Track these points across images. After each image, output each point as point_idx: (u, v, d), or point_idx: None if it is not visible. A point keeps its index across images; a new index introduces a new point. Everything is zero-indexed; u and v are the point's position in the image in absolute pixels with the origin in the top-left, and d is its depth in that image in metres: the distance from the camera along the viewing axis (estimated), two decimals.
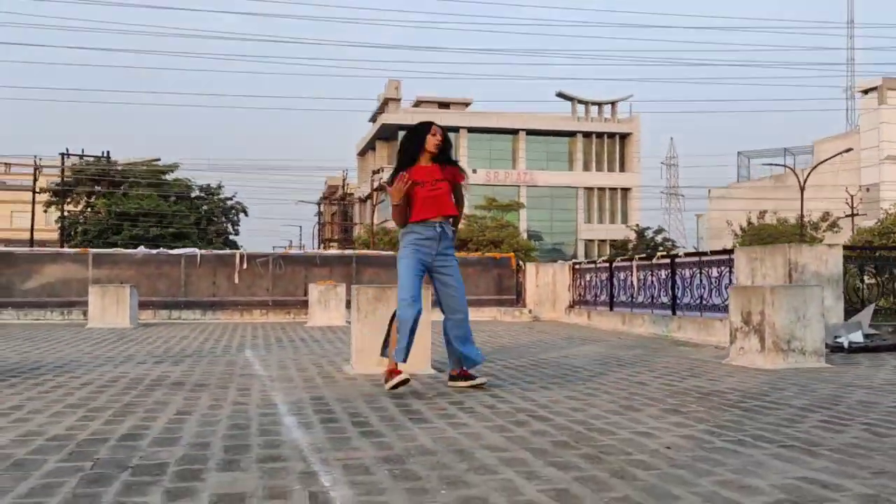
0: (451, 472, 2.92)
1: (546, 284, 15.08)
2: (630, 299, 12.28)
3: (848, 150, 42.69)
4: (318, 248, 65.11)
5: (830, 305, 8.31)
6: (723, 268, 9.80)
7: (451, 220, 5.22)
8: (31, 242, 48.57)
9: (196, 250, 14.29)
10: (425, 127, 5.22)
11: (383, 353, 5.26)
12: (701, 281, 10.28)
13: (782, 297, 6.79)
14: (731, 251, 9.85)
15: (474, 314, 14.33)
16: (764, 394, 5.06)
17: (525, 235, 51.03)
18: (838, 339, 8.11)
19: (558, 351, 8.57)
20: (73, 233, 45.10)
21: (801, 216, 40.60)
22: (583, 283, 14.16)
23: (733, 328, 7.21)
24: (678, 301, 10.80)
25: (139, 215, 42.60)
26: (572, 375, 6.12)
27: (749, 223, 50.42)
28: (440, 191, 5.14)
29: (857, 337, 8.27)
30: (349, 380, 5.75)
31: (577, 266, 14.55)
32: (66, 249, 14.49)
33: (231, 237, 52.93)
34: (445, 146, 5.22)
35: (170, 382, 5.48)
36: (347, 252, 15.22)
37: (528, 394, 5.02)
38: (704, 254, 10.46)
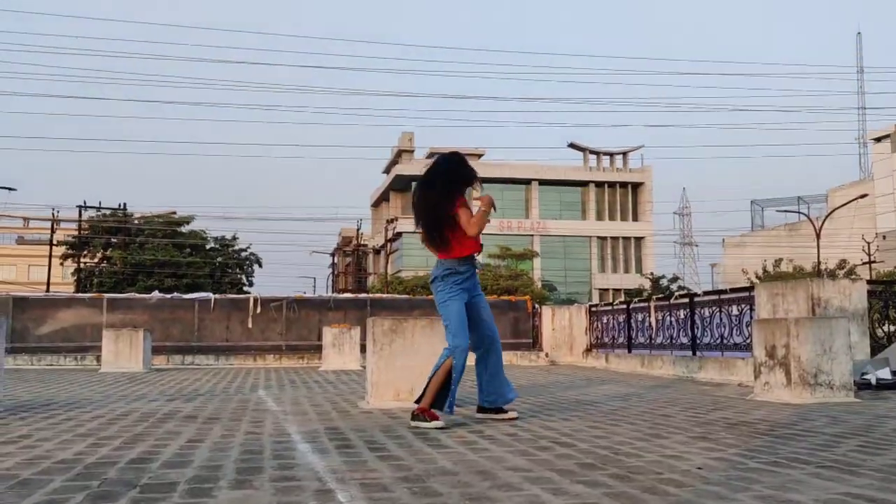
0: (474, 490, 2.78)
1: (563, 328, 14.90)
2: (649, 341, 12.09)
3: (863, 196, 42.54)
4: None
5: (856, 341, 8.11)
6: (743, 305, 9.63)
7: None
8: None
9: (210, 294, 14.25)
10: (470, 169, 5.10)
11: (418, 401, 4.89)
12: (721, 320, 10.09)
13: (807, 329, 6.63)
14: (751, 288, 9.70)
15: None
16: (794, 423, 4.89)
17: (539, 284, 50.84)
18: (865, 376, 7.89)
19: (578, 390, 8.39)
20: (88, 285, 45.30)
21: (818, 263, 40.27)
22: (600, 326, 13.98)
23: (757, 363, 7.03)
24: (698, 341, 10.61)
25: (154, 266, 42.77)
26: (593, 408, 5.95)
27: (765, 271, 50.07)
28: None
29: (885, 374, 8.05)
30: (365, 413, 5.61)
31: (593, 308, 14.38)
32: (81, 294, 14.52)
33: (245, 288, 53.00)
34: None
35: (182, 416, 5.36)
36: (362, 296, 15.14)
37: (549, 423, 4.87)
38: (724, 292, 10.30)
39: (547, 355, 14.36)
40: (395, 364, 5.93)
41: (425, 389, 4.81)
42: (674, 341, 11.32)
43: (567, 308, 15.09)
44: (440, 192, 4.88)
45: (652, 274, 50.16)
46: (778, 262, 50.55)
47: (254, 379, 10.58)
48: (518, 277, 44.12)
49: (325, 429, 4.67)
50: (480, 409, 5.13)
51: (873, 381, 7.93)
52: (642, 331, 12.36)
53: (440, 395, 4.77)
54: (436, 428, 4.61)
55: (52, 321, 13.65)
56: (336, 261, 70.28)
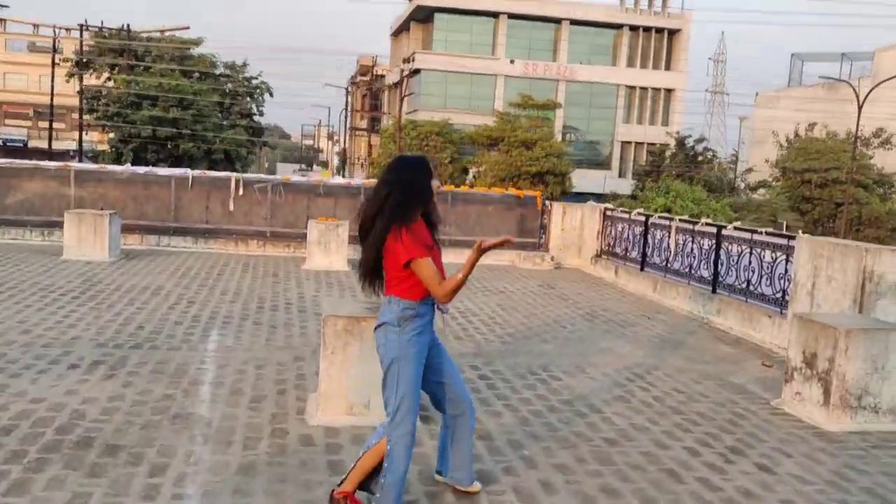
0: None
1: (573, 228, 13.66)
2: (665, 263, 10.89)
3: None
4: (346, 135, 63.50)
5: None
6: (779, 253, 8.35)
7: None
8: (52, 111, 47.57)
9: (188, 171, 12.95)
10: (428, 165, 3.63)
11: (340, 483, 3.71)
12: (750, 262, 8.84)
13: (859, 341, 5.42)
14: (791, 237, 8.37)
15: (492, 257, 13.06)
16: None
17: (560, 136, 48.89)
18: None
19: (575, 348, 7.33)
20: (95, 105, 43.84)
21: (856, 136, 37.99)
22: (613, 233, 12.73)
23: (791, 366, 5.88)
24: (721, 279, 9.41)
25: (159, 92, 41.01)
26: (582, 439, 4.88)
27: (796, 134, 47.79)
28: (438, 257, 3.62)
29: None
30: (303, 440, 4.57)
31: (608, 212, 13.07)
32: (48, 164, 13.21)
33: (255, 118, 51.38)
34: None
35: (74, 441, 4.33)
36: (354, 182, 13.76)
37: (524, 483, 3.80)
38: (758, 232, 8.97)
39: (553, 258, 13.23)
40: (350, 373, 4.82)
41: (350, 470, 3.69)
42: (693, 271, 10.12)
43: (580, 208, 13.76)
44: (392, 214, 3.48)
45: (678, 133, 47.90)
46: (811, 126, 48.11)
47: (223, 286, 9.58)
48: (538, 129, 42.13)
49: (233, 493, 3.63)
50: (440, 473, 4.04)
51: None
52: (659, 251, 11.14)
53: (367, 479, 3.65)
54: None
55: (16, 192, 12.46)
56: (351, 96, 67.93)
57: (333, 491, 3.66)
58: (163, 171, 12.94)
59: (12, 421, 4.57)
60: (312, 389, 5.43)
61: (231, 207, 12.89)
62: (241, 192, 12.87)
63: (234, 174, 13.22)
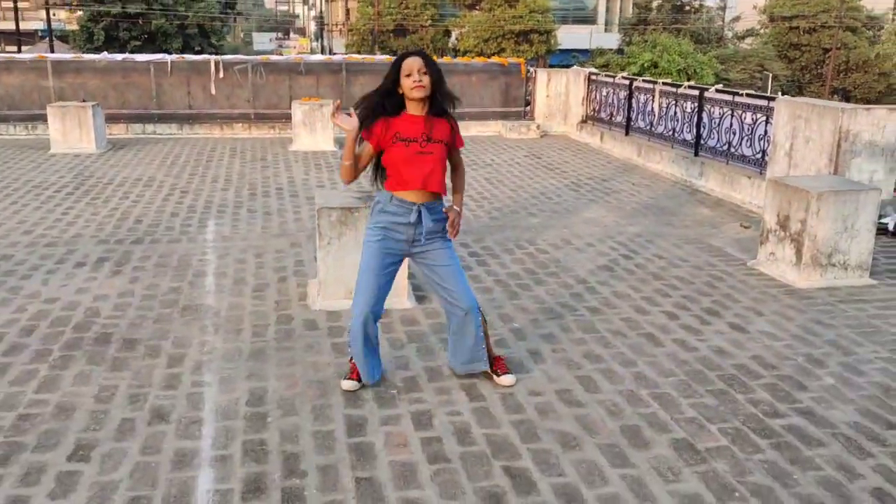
0: None
1: (558, 95, 13.63)
2: (649, 127, 11.01)
3: None
4: (321, 0, 61.15)
5: (881, 180, 7.18)
6: (759, 115, 8.49)
7: (439, 199, 3.81)
8: None
9: (165, 56, 12.71)
10: (397, 63, 3.67)
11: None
12: (731, 125, 8.99)
13: (830, 204, 5.69)
14: (771, 98, 8.47)
15: (478, 128, 13.15)
16: (785, 372, 4.19)
17: None
18: (883, 220, 7.09)
19: (561, 219, 7.60)
20: None
21: None
22: (598, 98, 12.74)
23: (766, 228, 6.17)
24: (703, 142, 9.58)
25: None
26: (567, 310, 5.21)
27: None
28: (431, 155, 3.66)
29: None
30: (308, 324, 4.88)
31: (593, 76, 13.02)
32: (22, 56, 12.97)
33: None
34: (436, 87, 3.64)
35: (93, 338, 4.62)
36: (336, 58, 13.53)
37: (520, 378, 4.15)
38: (739, 93, 9.04)
39: (538, 126, 13.28)
40: (346, 260, 5.08)
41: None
42: (676, 135, 10.27)
43: (564, 73, 13.65)
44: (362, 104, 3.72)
45: None
46: None
47: (216, 167, 9.73)
48: None
49: (250, 394, 3.98)
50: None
51: (891, 227, 7.16)
52: (643, 115, 11.22)
53: (360, 367, 3.97)
54: (343, 388, 3.96)
55: None
56: None
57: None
58: (141, 57, 12.71)
59: (31, 321, 4.85)
60: (312, 275, 5.71)
61: (213, 91, 12.78)
62: (221, 74, 12.72)
63: (214, 57, 13.02)
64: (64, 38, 46.05)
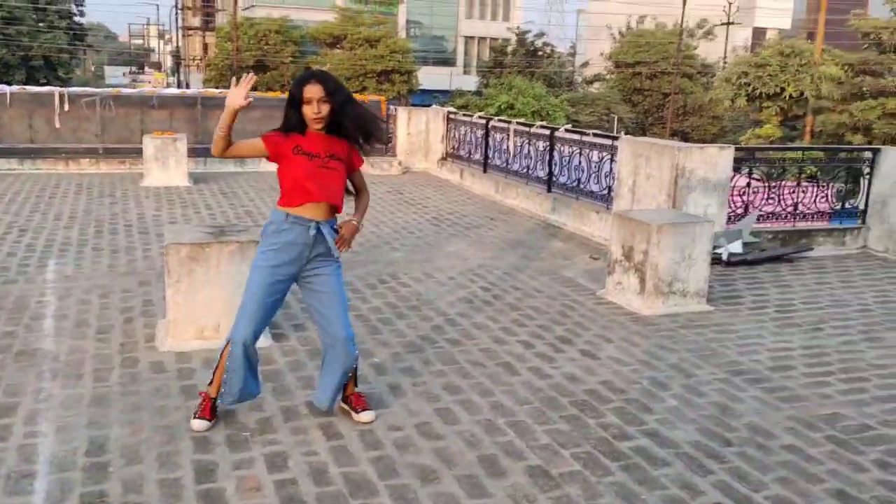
0: None
1: (419, 132, 13.84)
2: (505, 164, 11.35)
3: None
4: (178, 35, 59.68)
5: (714, 213, 7.71)
6: (605, 154, 8.95)
7: (334, 217, 3.77)
8: None
9: (4, 87, 11.93)
10: (298, 88, 3.57)
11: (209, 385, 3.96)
12: (580, 163, 9.43)
13: (669, 235, 6.05)
14: (615, 137, 8.96)
15: None
16: (631, 395, 4.38)
17: (403, 33, 48.20)
18: (717, 251, 7.59)
19: (423, 253, 7.67)
20: None
21: (682, 28, 39.94)
22: (457, 136, 13.04)
23: (612, 259, 6.48)
24: (555, 178, 9.98)
25: None
26: (427, 342, 5.24)
27: (629, 27, 49.58)
28: (333, 171, 3.64)
29: (737, 247, 7.80)
30: (155, 367, 4.65)
31: (451, 115, 13.32)
32: None
33: (77, 19, 47.33)
34: (337, 112, 3.58)
35: None
36: (190, 92, 13.21)
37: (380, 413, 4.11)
38: (586, 133, 9.51)
39: (400, 163, 13.42)
40: (197, 297, 4.90)
41: (213, 372, 3.91)
42: (530, 172, 10.65)
43: (424, 112, 13.91)
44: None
45: (518, 28, 48.46)
46: (642, 18, 50.00)
47: (57, 209, 9.16)
48: (381, 25, 41.32)
49: (88, 444, 3.73)
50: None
51: (724, 257, 7.68)
52: (500, 153, 11.57)
53: (228, 388, 3.86)
54: (193, 429, 3.81)
55: None
56: None
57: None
58: None
59: None
60: (161, 315, 5.46)
61: (57, 124, 12.10)
62: (66, 107, 12.08)
63: (58, 89, 12.35)
64: None
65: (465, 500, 3.33)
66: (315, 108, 3.55)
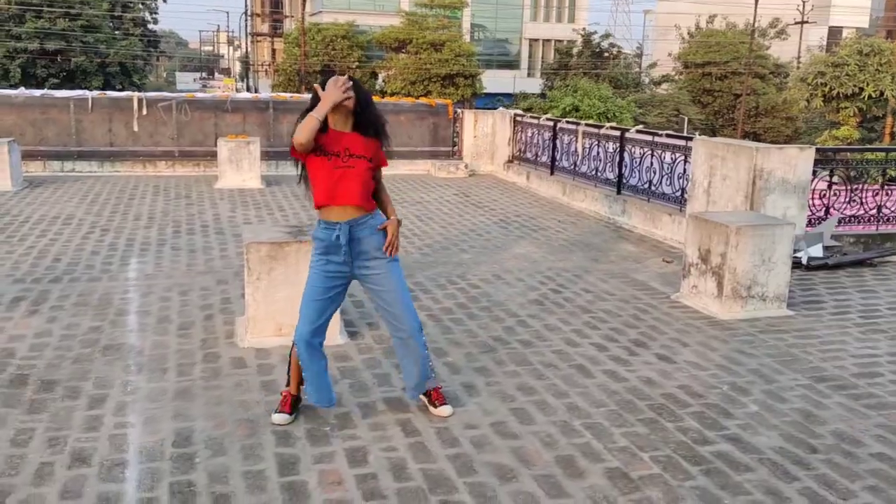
0: None
1: (485, 135, 13.85)
2: (573, 167, 11.27)
3: None
4: (247, 41, 61.05)
5: (794, 216, 7.50)
6: (678, 154, 8.80)
7: (367, 214, 3.77)
8: None
9: (86, 93, 12.41)
10: (325, 83, 3.66)
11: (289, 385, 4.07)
12: (652, 164, 9.29)
13: (748, 237, 5.91)
14: (689, 138, 8.80)
15: (407, 167, 13.22)
16: (712, 400, 4.29)
17: (468, 37, 48.30)
18: (797, 254, 7.39)
19: (491, 255, 7.67)
20: None
21: (754, 27, 39.01)
22: (524, 139, 13.00)
23: (688, 262, 6.36)
24: (625, 181, 9.86)
25: (43, 5, 38.35)
26: (500, 343, 5.23)
27: (697, 27, 48.69)
28: (352, 169, 3.68)
29: (818, 251, 7.58)
30: (236, 363, 4.77)
31: (518, 118, 13.29)
32: None
33: (150, 26, 48.82)
34: (362, 108, 3.69)
35: (8, 380, 4.40)
36: (262, 97, 13.49)
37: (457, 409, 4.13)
38: (658, 134, 9.37)
39: (467, 165, 13.44)
40: (276, 296, 5.00)
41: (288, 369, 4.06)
42: (599, 174, 10.54)
43: (491, 115, 13.92)
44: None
45: (584, 30, 48.03)
46: (712, 18, 49.04)
47: (136, 213, 9.46)
48: (445, 29, 41.49)
49: (175, 435, 3.84)
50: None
51: (804, 261, 7.47)
52: (567, 155, 11.49)
53: (308, 388, 3.96)
54: (274, 422, 3.91)
55: None
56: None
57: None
58: (60, 93, 12.38)
59: None
60: (239, 313, 5.60)
61: (135, 128, 12.51)
62: (144, 111, 12.48)
63: (136, 94, 12.78)
64: None
65: (545, 500, 3.31)
66: (343, 86, 3.57)
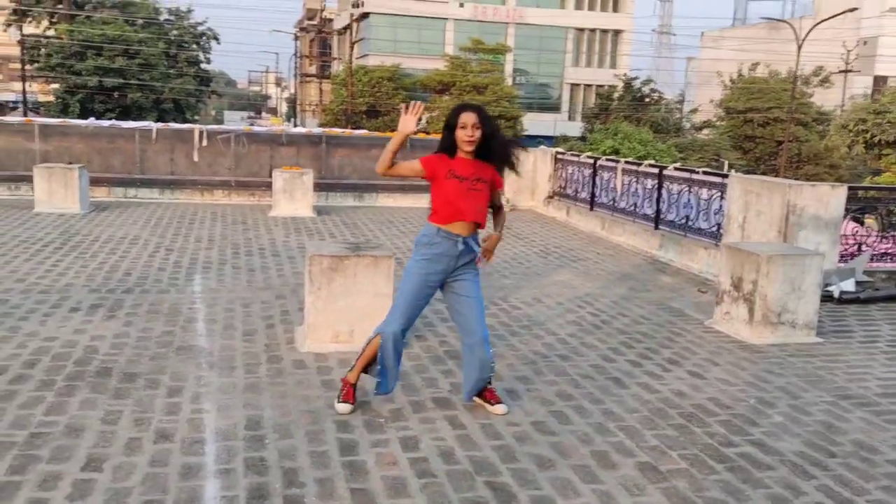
0: None
1: (526, 172, 14.30)
2: (612, 202, 11.64)
3: (853, 10, 40.59)
4: (297, 80, 62.79)
5: (826, 251, 7.76)
6: (714, 191, 9.13)
7: (476, 232, 4.31)
8: None
9: (151, 124, 13.21)
10: (455, 115, 4.15)
11: (349, 371, 4.51)
12: (689, 200, 9.63)
13: (779, 266, 6.21)
14: (725, 175, 9.14)
15: None
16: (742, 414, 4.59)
17: (510, 81, 49.22)
18: (829, 288, 7.64)
19: (532, 281, 8.04)
20: (35, 56, 42.69)
21: (796, 75, 39.19)
22: (564, 175, 13.43)
23: (721, 289, 6.67)
24: (662, 216, 10.19)
25: (103, 42, 40.09)
26: (539, 356, 5.59)
27: (739, 74, 48.94)
28: (479, 192, 4.17)
29: (849, 285, 7.81)
30: (297, 364, 5.19)
31: (559, 156, 13.75)
32: (10, 119, 13.35)
33: (203, 66, 50.60)
34: (487, 139, 4.15)
35: (94, 371, 4.88)
36: (316, 131, 14.15)
37: (484, 413, 4.49)
38: (695, 171, 9.73)
39: (508, 200, 13.88)
40: (335, 305, 5.43)
41: (356, 359, 4.45)
42: (637, 210, 10.90)
43: (532, 152, 14.40)
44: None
45: (626, 75, 48.63)
46: (754, 65, 49.28)
47: (196, 234, 10.04)
48: (489, 73, 42.46)
49: (247, 420, 4.26)
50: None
51: (836, 294, 7.71)
52: (606, 191, 11.87)
53: (369, 367, 4.40)
54: (339, 412, 4.33)
55: None
56: (298, 38, 67.00)
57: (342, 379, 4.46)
58: (126, 124, 13.17)
59: (33, 356, 5.09)
60: (298, 323, 6.05)
61: (195, 158, 13.23)
62: (204, 143, 13.20)
63: (198, 126, 13.52)
64: (35, 109, 46.50)
65: (581, 485, 3.65)
66: (469, 132, 4.10)
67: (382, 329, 4.30)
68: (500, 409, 4.46)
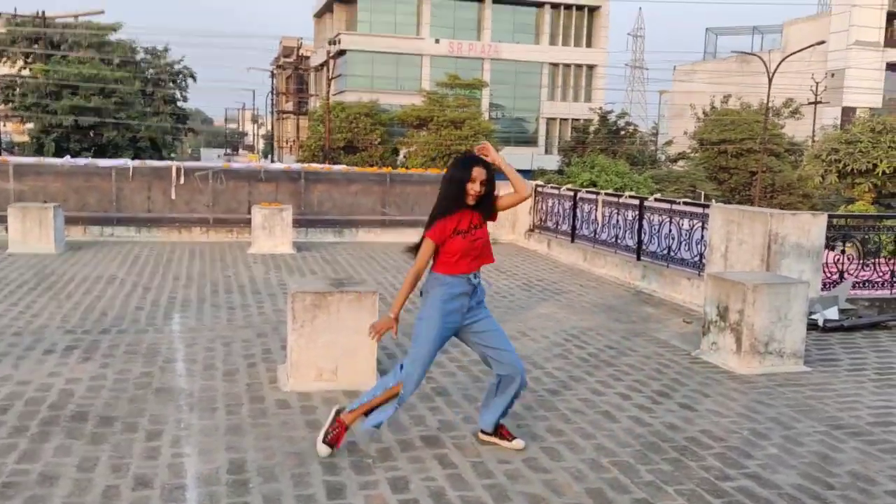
0: None
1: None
2: (593, 234, 11.64)
3: (820, 43, 41.49)
4: (273, 117, 62.87)
5: (808, 279, 7.76)
6: (695, 221, 9.15)
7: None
8: None
9: (128, 161, 13.06)
10: (466, 169, 4.14)
11: (348, 408, 4.35)
12: (670, 231, 9.63)
13: (765, 295, 6.19)
14: (706, 205, 9.16)
15: None
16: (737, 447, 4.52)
17: (486, 115, 49.58)
18: (813, 317, 7.63)
19: (516, 315, 7.97)
20: (10, 95, 42.41)
21: (767, 107, 39.85)
22: (545, 208, 13.43)
23: (708, 319, 6.63)
24: (644, 247, 10.19)
25: (79, 81, 39.93)
26: (527, 391, 5.49)
27: (712, 107, 49.68)
28: (480, 237, 4.23)
29: (833, 313, 7.81)
30: (280, 404, 5.05)
31: (539, 188, 13.76)
32: None
33: (180, 103, 50.55)
34: (490, 189, 4.18)
35: (69, 415, 4.71)
36: (294, 167, 14.08)
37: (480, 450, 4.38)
38: (676, 202, 9.75)
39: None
40: (318, 342, 5.31)
41: (361, 402, 4.28)
42: (619, 241, 10.89)
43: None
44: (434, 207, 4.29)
45: (601, 108, 49.21)
46: (726, 98, 50.08)
47: (174, 274, 9.87)
48: (465, 108, 42.71)
49: (229, 465, 4.12)
50: (482, 432, 4.54)
51: (820, 323, 7.70)
52: (587, 223, 11.88)
53: (370, 412, 4.25)
54: (320, 454, 4.19)
55: None
56: (275, 74, 67.23)
57: (339, 413, 4.28)
58: (103, 162, 13.03)
59: (6, 401, 4.92)
60: (280, 361, 5.92)
61: (173, 196, 13.08)
62: (181, 180, 13.07)
63: (175, 163, 13.40)
64: (10, 149, 46.15)
65: None
66: (478, 188, 4.11)
67: (406, 384, 4.19)
68: (518, 443, 4.44)
